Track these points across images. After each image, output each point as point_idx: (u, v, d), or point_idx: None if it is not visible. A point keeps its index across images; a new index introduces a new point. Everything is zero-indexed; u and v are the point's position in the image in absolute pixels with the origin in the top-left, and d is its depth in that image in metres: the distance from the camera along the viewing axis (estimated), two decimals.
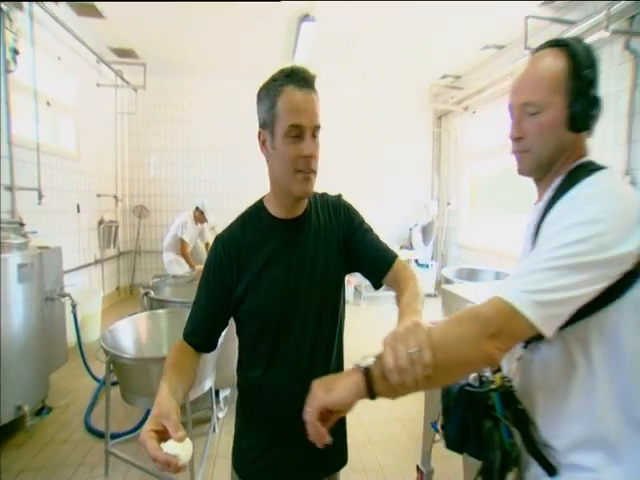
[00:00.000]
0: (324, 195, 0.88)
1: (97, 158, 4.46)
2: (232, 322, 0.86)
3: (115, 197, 4.92)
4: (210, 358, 1.72)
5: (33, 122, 3.03)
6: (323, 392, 0.53)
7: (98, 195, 4.43)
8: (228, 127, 5.35)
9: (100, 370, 2.62)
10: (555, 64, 0.62)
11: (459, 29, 3.75)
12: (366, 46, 4.25)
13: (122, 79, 4.70)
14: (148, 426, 0.57)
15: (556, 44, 0.64)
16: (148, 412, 2.19)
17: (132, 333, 1.83)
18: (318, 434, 0.53)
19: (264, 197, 0.84)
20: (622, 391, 0.55)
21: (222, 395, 2.33)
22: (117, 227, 4.77)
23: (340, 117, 5.28)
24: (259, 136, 0.76)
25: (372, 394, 0.51)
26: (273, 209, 0.80)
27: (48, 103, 3.42)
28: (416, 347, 0.47)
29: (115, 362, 1.54)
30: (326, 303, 0.81)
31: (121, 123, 5.07)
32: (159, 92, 5.19)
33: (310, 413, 0.53)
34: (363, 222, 0.86)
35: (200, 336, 0.80)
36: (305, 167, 0.71)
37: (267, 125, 0.72)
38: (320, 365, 0.80)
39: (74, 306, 2.52)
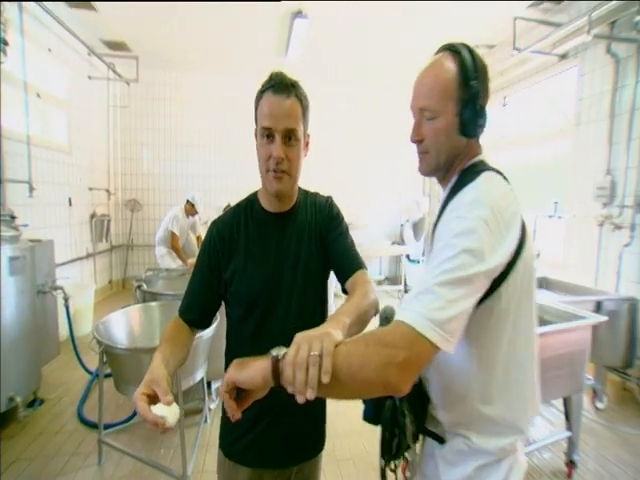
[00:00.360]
0: (315, 194, 0.94)
1: (89, 151, 4.43)
2: (223, 314, 0.90)
3: (107, 191, 4.89)
4: (202, 349, 1.75)
5: (23, 114, 3.01)
6: (235, 370, 0.57)
7: (90, 188, 4.40)
8: (221, 122, 5.34)
9: (92, 363, 2.65)
10: (447, 72, 0.66)
11: (450, 28, 3.78)
12: (357, 44, 4.26)
13: (114, 72, 4.65)
14: (141, 389, 0.62)
15: (450, 49, 0.68)
16: None
17: (125, 325, 1.86)
18: (228, 406, 0.58)
19: (258, 191, 0.90)
20: (501, 374, 0.63)
21: (214, 386, 2.37)
22: (109, 221, 4.75)
23: (332, 114, 5.30)
24: (255, 135, 0.82)
25: (276, 381, 0.53)
26: (264, 203, 0.87)
27: (38, 95, 3.38)
28: (319, 352, 0.50)
29: (108, 352, 1.57)
30: (309, 291, 0.86)
31: (113, 116, 5.02)
32: (152, 86, 5.15)
33: (222, 386, 0.58)
34: (341, 224, 0.90)
35: (194, 313, 0.86)
36: (274, 167, 0.77)
37: (256, 126, 0.81)
38: None
39: (66, 299, 2.52)
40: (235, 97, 5.34)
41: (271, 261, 0.83)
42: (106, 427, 1.93)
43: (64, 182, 3.80)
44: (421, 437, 0.73)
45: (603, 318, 1.71)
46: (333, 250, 0.87)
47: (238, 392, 0.59)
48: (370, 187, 5.78)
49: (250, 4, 3.36)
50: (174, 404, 0.61)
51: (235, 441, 0.87)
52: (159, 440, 2.00)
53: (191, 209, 3.88)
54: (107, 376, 2.06)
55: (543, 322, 1.85)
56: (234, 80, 5.33)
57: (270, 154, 0.76)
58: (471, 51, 0.67)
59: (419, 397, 0.70)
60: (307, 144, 0.84)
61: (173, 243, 3.79)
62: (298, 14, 3.49)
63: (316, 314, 0.87)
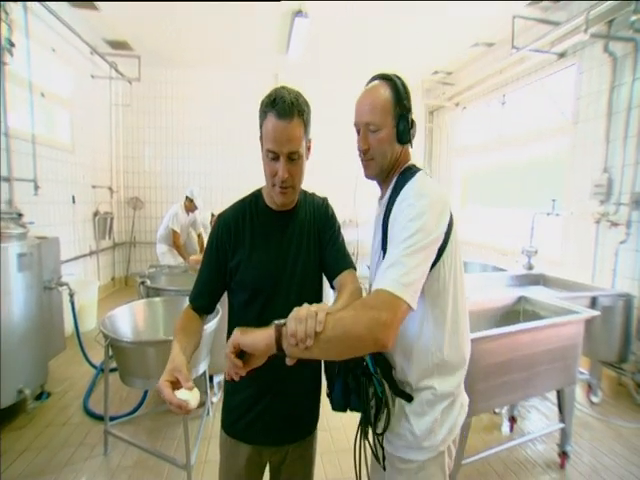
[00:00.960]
0: (313, 195, 1.02)
1: (92, 150, 4.48)
2: (224, 306, 0.96)
3: (110, 189, 4.94)
4: (205, 343, 1.80)
5: (28, 114, 3.06)
6: (240, 334, 0.68)
7: (93, 187, 4.45)
8: (223, 120, 5.38)
9: (97, 357, 2.71)
10: (385, 94, 0.83)
11: (450, 26, 3.81)
12: (359, 42, 4.29)
13: (116, 71, 4.69)
14: (164, 377, 0.70)
15: (383, 77, 0.85)
16: (145, 396, 2.28)
17: (130, 319, 1.91)
18: (233, 364, 0.68)
19: (262, 188, 0.96)
20: (450, 324, 0.81)
21: (216, 380, 2.42)
22: (112, 218, 4.81)
23: (333, 112, 5.32)
24: (260, 139, 0.87)
25: (279, 346, 0.64)
26: (268, 200, 0.94)
27: (42, 94, 3.43)
28: (315, 310, 0.63)
29: (114, 346, 1.62)
30: (307, 282, 0.93)
31: (116, 115, 5.07)
32: (153, 84, 5.19)
33: (227, 347, 0.68)
34: (335, 225, 0.99)
35: (204, 298, 0.94)
36: (280, 184, 0.84)
37: (260, 138, 0.86)
38: None
39: (72, 295, 2.58)
40: (236, 95, 5.38)
41: (274, 253, 0.90)
42: (112, 419, 1.98)
43: (68, 180, 3.85)
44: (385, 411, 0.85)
45: (595, 313, 1.75)
46: (326, 249, 0.95)
47: (240, 357, 0.68)
48: (370, 185, 5.75)
49: (250, 4, 3.39)
50: (195, 389, 0.70)
51: (236, 420, 0.94)
52: (163, 431, 2.06)
53: (190, 205, 3.89)
54: (112, 370, 2.11)
55: (539, 318, 1.90)
56: (235, 78, 5.36)
57: (276, 172, 0.83)
58: (399, 78, 0.85)
59: (388, 366, 0.83)
60: (309, 149, 0.91)
61: (175, 241, 3.81)
62: (298, 13, 3.52)
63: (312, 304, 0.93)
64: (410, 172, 0.85)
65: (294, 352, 0.64)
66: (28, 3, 3.00)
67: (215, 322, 1.78)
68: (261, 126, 0.84)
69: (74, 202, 3.96)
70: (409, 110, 0.84)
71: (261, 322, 0.86)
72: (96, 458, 1.85)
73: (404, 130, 0.83)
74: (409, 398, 0.81)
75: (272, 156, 0.82)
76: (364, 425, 0.87)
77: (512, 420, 2.19)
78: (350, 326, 0.62)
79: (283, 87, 0.83)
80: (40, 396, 2.31)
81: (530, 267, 3.23)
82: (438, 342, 0.80)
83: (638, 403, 2.47)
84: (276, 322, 0.65)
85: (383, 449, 0.87)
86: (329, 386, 0.88)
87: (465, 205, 5.42)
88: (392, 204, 0.81)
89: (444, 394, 0.81)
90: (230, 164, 5.43)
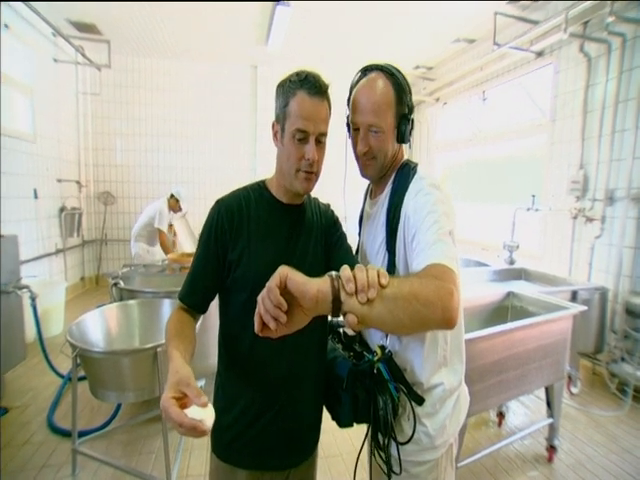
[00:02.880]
0: (316, 198, 0.96)
1: (57, 141, 4.14)
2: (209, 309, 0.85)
3: (78, 183, 4.61)
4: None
5: None
6: (289, 270, 0.53)
7: (59, 180, 4.12)
8: (199, 112, 5.15)
9: (63, 366, 2.49)
10: (389, 92, 0.79)
11: (431, 21, 3.79)
12: (339, 34, 4.20)
13: (83, 56, 4.34)
14: (168, 393, 0.56)
15: (381, 69, 0.81)
16: (118, 407, 2.11)
17: (101, 325, 1.73)
18: (277, 302, 0.51)
19: (265, 180, 0.88)
20: (451, 333, 0.82)
21: (198, 385, 2.28)
22: (81, 214, 4.48)
23: None
24: (273, 127, 0.81)
25: (335, 294, 0.51)
26: (276, 192, 0.85)
27: None
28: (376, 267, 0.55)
29: (83, 356, 1.45)
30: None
31: (84, 104, 4.72)
32: (125, 72, 4.88)
33: (272, 279, 0.52)
34: (341, 229, 0.94)
35: (197, 295, 0.82)
36: (306, 168, 0.77)
37: (279, 120, 0.79)
38: (307, 337, 0.81)
39: (33, 299, 2.35)
40: (213, 87, 5.16)
41: (280, 247, 0.82)
42: (80, 434, 1.80)
43: (28, 173, 3.53)
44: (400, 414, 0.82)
45: (583, 308, 1.77)
46: (333, 251, 0.88)
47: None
48: (349, 181, 5.73)
49: None
50: (210, 405, 0.56)
51: (231, 442, 0.82)
52: (139, 445, 1.90)
53: (175, 204, 3.67)
54: (81, 379, 1.93)
55: (530, 314, 1.90)
56: (212, 69, 5.14)
57: (303, 155, 0.76)
58: (399, 72, 0.81)
59: (399, 370, 0.80)
60: None
61: (162, 240, 3.57)
62: (280, 1, 3.38)
63: None
64: (409, 167, 0.84)
65: (353, 305, 0.51)
66: None
67: (197, 326, 1.64)
68: (285, 106, 0.76)
69: (36, 197, 3.64)
70: (411, 110, 0.83)
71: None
72: None
73: (405, 131, 0.82)
74: (419, 400, 0.79)
75: (300, 136, 0.75)
76: (375, 437, 0.81)
77: (500, 416, 2.21)
78: (418, 288, 0.55)
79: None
80: None
81: (512, 262, 3.29)
82: (444, 333, 0.81)
83: (613, 392, 2.57)
84: (328, 274, 0.54)
85: (393, 458, 0.81)
86: (334, 402, 0.82)
87: None
88: (397, 200, 0.80)
89: (452, 388, 0.82)
90: (206, 158, 5.21)
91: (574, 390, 2.57)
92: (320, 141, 0.77)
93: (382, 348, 0.78)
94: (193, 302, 0.82)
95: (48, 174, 3.91)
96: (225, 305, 0.84)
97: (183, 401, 0.56)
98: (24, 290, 2.34)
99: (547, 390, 1.84)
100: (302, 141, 0.75)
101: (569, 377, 2.61)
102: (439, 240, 0.66)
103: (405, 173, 0.83)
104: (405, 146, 0.90)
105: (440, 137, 5.41)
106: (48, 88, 3.94)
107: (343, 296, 0.52)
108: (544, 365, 1.71)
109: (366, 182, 0.99)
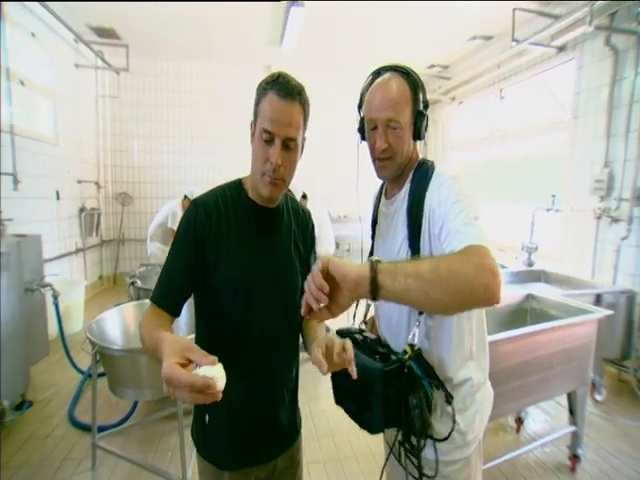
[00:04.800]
0: (296, 201, 0.95)
1: (78, 143, 4.26)
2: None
3: (97, 184, 4.73)
4: None
5: (5, 102, 2.85)
6: (331, 256, 0.57)
7: (79, 181, 4.24)
8: (214, 113, 5.21)
9: (84, 362, 2.55)
10: (405, 88, 0.79)
11: (447, 19, 3.72)
12: (354, 34, 4.17)
13: (103, 60, 4.47)
14: (171, 360, 0.51)
15: (395, 69, 0.82)
16: (135, 404, 2.15)
17: (119, 323, 1.77)
18: (320, 284, 0.54)
19: (242, 179, 0.86)
20: (476, 326, 0.82)
21: None
22: (99, 215, 4.61)
23: (325, 104, 5.20)
24: (250, 127, 0.79)
25: (373, 278, 0.54)
26: (251, 193, 0.83)
27: (22, 82, 3.22)
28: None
29: (102, 354, 1.49)
30: (289, 286, 0.85)
31: (103, 107, 4.85)
32: (143, 76, 4.98)
33: (315, 265, 0.56)
34: (314, 243, 0.95)
35: (173, 297, 0.76)
36: (270, 173, 0.74)
37: (254, 120, 0.77)
38: (286, 334, 0.85)
39: (56, 297, 2.42)
40: (227, 88, 5.21)
41: (256, 250, 0.81)
42: (100, 429, 1.84)
43: (51, 174, 3.65)
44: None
45: (609, 312, 1.69)
46: (307, 259, 0.90)
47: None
48: (361, 181, 5.66)
49: None
50: (219, 364, 0.52)
51: (215, 447, 0.82)
52: (156, 442, 1.93)
53: (188, 205, 3.74)
54: (101, 375, 1.97)
55: (550, 317, 1.84)
56: (226, 71, 5.20)
57: (267, 158, 0.73)
58: (413, 72, 0.82)
59: (430, 366, 0.78)
60: (302, 147, 0.81)
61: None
62: (294, 1, 3.38)
63: (296, 306, 0.85)
64: (426, 165, 0.84)
65: (393, 286, 0.53)
66: None
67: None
68: (257, 105, 0.75)
69: (58, 198, 3.76)
70: (427, 106, 0.83)
71: (248, 320, 0.79)
72: (83, 474, 1.71)
73: (421, 127, 0.81)
74: (449, 397, 0.78)
75: (266, 137, 0.73)
76: (407, 440, 0.79)
77: (519, 421, 2.14)
78: (457, 266, 0.55)
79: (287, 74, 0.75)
80: (21, 406, 2.15)
81: (530, 263, 3.20)
82: (470, 324, 0.81)
83: None
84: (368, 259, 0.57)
85: (424, 460, 0.80)
86: (361, 410, 0.80)
87: None
88: (418, 197, 0.79)
89: (479, 383, 0.82)
90: (221, 158, 5.27)
91: (599, 397, 2.47)
92: (289, 147, 0.74)
93: (411, 346, 0.78)
94: (168, 304, 0.75)
95: (69, 175, 4.03)
96: (201, 307, 0.82)
97: (187, 368, 0.52)
98: (47, 288, 2.42)
99: (569, 396, 1.78)
100: (268, 143, 0.73)
101: (593, 384, 2.51)
102: (470, 224, 0.67)
103: (424, 170, 0.83)
104: (419, 145, 0.89)
105: (455, 136, 5.31)
106: (69, 92, 4.07)
107: (380, 278, 0.53)
108: (567, 370, 1.64)
109: (374, 184, 0.99)
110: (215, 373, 0.50)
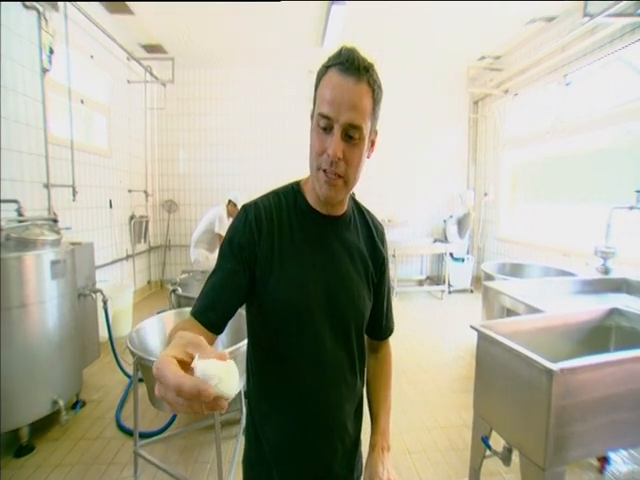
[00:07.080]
0: (369, 212, 0.81)
1: (129, 154, 4.54)
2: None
3: (145, 192, 5.01)
4: (243, 357, 1.62)
5: (67, 120, 3.08)
6: None
7: (129, 191, 4.51)
8: (257, 119, 5.28)
9: (132, 365, 2.64)
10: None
11: (500, 4, 3.38)
12: (398, 29, 3.98)
13: (151, 74, 4.73)
14: (169, 352, 0.40)
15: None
16: (175, 415, 2.15)
17: (159, 332, 1.77)
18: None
19: (301, 181, 0.75)
20: None
21: None
22: (147, 222, 4.86)
23: None
24: (310, 118, 0.67)
25: None
26: (310, 198, 0.71)
27: (82, 101, 3.48)
28: None
29: (141, 364, 1.47)
30: (351, 314, 0.72)
31: (151, 119, 5.13)
32: (187, 86, 5.20)
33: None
34: (387, 265, 0.81)
35: (217, 312, 0.65)
36: (328, 167, 0.61)
37: (313, 108, 0.65)
38: (345, 371, 0.73)
39: (105, 301, 2.53)
40: (270, 93, 5.25)
41: (314, 263, 0.68)
42: (142, 436, 1.86)
43: (105, 185, 3.90)
44: None
45: None
46: (377, 294, 0.78)
47: None
48: (410, 181, 5.44)
49: None
50: (231, 362, 0.39)
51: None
52: (195, 453, 1.90)
53: (233, 210, 3.75)
54: (141, 381, 1.99)
55: None
56: (267, 76, 5.24)
57: (324, 149, 0.60)
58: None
59: None
60: (373, 143, 0.68)
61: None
62: (336, 0, 3.28)
63: (358, 339, 0.75)
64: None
65: None
66: (68, 11, 3.02)
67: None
68: (316, 89, 0.63)
69: (111, 206, 4.01)
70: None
71: (296, 353, 0.68)
72: None
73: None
74: None
75: (324, 124, 0.59)
76: None
77: (602, 460, 1.81)
78: None
79: None
80: (75, 405, 2.26)
81: (606, 270, 2.76)
82: None
83: None
84: None
85: None
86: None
87: (515, 202, 4.92)
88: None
89: None
90: (266, 164, 5.32)
91: None
92: (352, 137, 0.59)
93: None
94: (211, 320, 0.64)
95: (121, 185, 4.29)
96: (251, 327, 0.73)
97: (187, 367, 0.39)
98: (98, 293, 2.53)
99: None
100: (326, 131, 0.60)
101: None
102: None
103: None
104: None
105: (509, 133, 4.86)
106: (122, 107, 4.34)
107: None
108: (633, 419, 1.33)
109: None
110: (219, 372, 0.36)
